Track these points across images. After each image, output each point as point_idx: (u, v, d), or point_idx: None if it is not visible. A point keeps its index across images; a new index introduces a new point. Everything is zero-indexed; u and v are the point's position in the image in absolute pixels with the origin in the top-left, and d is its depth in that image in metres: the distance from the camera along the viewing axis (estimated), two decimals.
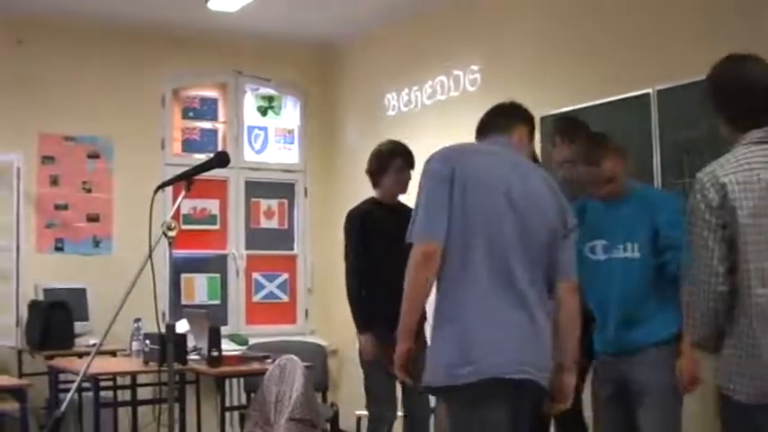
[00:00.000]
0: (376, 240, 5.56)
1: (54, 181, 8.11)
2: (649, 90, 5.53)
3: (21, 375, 7.20)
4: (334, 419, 6.73)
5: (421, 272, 3.49)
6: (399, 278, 4.56)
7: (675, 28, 5.59)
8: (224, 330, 7.25)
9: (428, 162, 3.65)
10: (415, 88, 7.98)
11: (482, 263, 3.45)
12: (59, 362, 6.74)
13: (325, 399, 7.02)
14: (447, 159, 3.61)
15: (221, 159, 4.07)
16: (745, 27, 5.10)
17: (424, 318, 3.88)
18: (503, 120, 3.87)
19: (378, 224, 5.60)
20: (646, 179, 5.24)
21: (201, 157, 8.14)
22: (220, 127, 9.02)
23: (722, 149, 3.37)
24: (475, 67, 7.31)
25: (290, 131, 9.34)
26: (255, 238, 9.05)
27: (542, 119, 5.82)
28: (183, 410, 6.55)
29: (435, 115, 7.68)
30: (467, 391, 3.38)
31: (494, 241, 3.47)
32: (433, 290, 3.58)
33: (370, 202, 5.78)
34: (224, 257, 8.90)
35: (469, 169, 3.57)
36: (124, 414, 7.22)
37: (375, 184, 5.75)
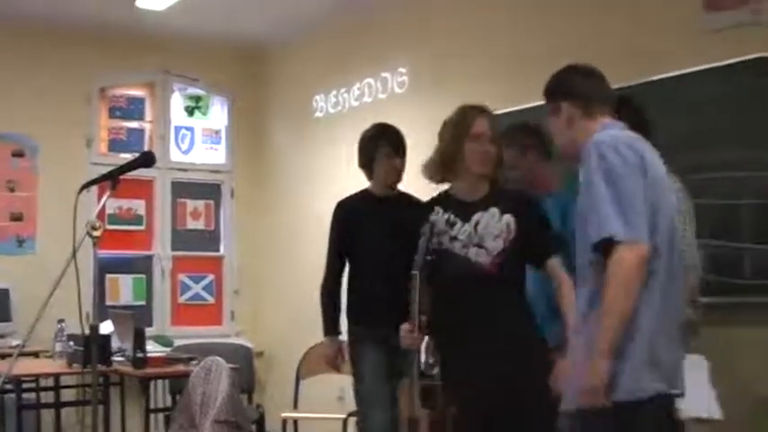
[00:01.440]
0: (363, 235, 5.04)
1: None
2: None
3: None
4: (260, 421, 6.72)
5: (635, 279, 2.92)
6: (385, 271, 4.50)
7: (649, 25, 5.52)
8: (149, 332, 7.21)
9: (610, 148, 3.04)
10: (343, 90, 8.00)
11: (660, 266, 3.01)
12: None
13: (250, 400, 7.01)
14: (634, 146, 3.08)
15: (147, 159, 4.05)
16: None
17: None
18: (608, 90, 3.34)
19: (365, 217, 5.06)
20: None
21: (128, 157, 8.05)
22: (147, 126, 8.96)
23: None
24: (403, 70, 7.36)
25: (217, 132, 9.30)
26: (181, 239, 9.00)
27: None
28: (107, 412, 6.49)
29: (363, 117, 7.67)
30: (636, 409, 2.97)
31: (669, 242, 3.06)
32: None
33: (362, 193, 5.20)
34: (150, 258, 8.84)
35: (650, 159, 3.08)
36: (47, 416, 7.16)
37: (369, 177, 5.13)
